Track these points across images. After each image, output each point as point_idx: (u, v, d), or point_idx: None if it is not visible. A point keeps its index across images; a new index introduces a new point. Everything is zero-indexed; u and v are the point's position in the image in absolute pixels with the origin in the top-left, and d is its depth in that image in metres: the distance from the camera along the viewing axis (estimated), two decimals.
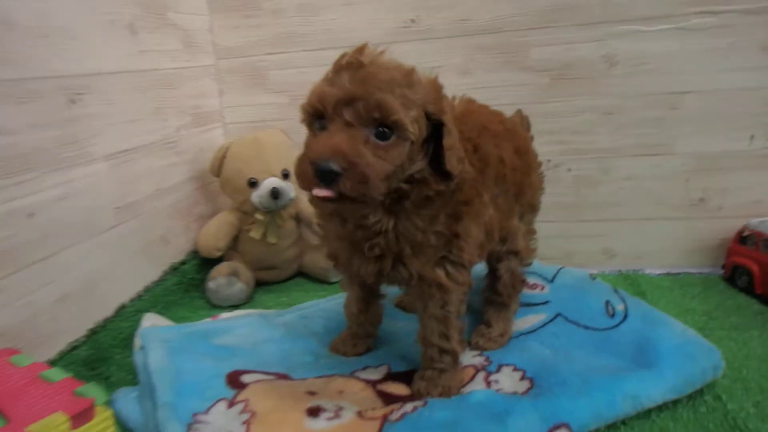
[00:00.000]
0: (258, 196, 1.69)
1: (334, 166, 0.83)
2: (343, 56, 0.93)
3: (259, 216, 1.73)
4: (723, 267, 1.66)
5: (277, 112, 1.95)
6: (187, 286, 1.73)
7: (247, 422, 1.00)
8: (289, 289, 1.79)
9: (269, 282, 1.83)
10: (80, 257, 1.33)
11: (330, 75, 0.93)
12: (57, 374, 0.81)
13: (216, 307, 1.66)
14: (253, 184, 1.70)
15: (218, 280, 1.65)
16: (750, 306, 1.48)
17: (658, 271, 1.73)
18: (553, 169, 1.77)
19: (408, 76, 0.93)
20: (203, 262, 1.79)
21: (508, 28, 1.72)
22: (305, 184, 0.89)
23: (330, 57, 1.74)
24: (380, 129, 0.88)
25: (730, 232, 1.66)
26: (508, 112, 1.66)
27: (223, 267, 1.69)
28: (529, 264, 1.34)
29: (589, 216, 1.79)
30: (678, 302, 1.50)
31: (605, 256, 1.80)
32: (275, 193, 1.67)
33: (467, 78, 1.78)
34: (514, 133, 1.25)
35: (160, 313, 1.52)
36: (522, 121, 1.45)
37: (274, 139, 1.79)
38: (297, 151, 1.71)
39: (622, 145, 1.72)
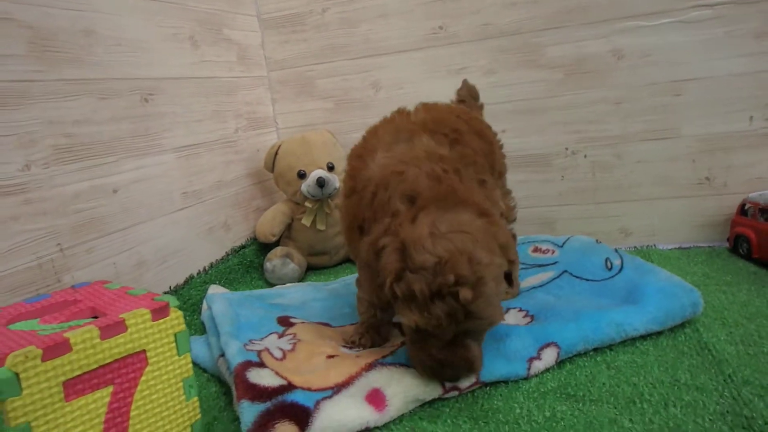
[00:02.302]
0: (306, 185, 1.93)
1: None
2: (443, 282, 0.96)
3: (308, 204, 1.96)
4: (728, 239, 1.79)
5: (324, 116, 2.18)
6: (247, 267, 1.96)
7: (293, 344, 1.23)
8: (337, 273, 1.99)
9: (320, 267, 2.05)
10: (154, 231, 1.57)
11: (434, 290, 0.96)
12: (140, 291, 1.03)
13: (272, 285, 1.88)
14: (302, 175, 1.94)
15: (274, 261, 1.89)
16: (747, 268, 1.61)
17: (670, 246, 1.88)
18: (571, 156, 1.95)
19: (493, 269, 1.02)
20: (261, 248, 2.03)
21: (525, 30, 1.91)
22: (429, 375, 1.05)
23: (369, 64, 2.00)
24: None
25: (735, 207, 1.78)
26: (529, 106, 1.90)
27: (278, 250, 1.94)
28: (514, 219, 1.51)
29: (606, 198, 1.95)
30: (682, 267, 1.64)
31: (622, 235, 1.95)
32: (321, 182, 1.90)
33: (491, 77, 1.98)
34: (472, 122, 1.41)
35: (223, 286, 1.76)
36: (470, 92, 1.67)
37: (320, 137, 2.02)
38: (340, 147, 1.96)
39: (632, 131, 1.88)
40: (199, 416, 1.01)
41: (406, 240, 1.01)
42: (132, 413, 0.91)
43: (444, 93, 1.99)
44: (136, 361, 0.92)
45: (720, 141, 1.82)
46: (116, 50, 1.47)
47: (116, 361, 0.89)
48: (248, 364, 1.10)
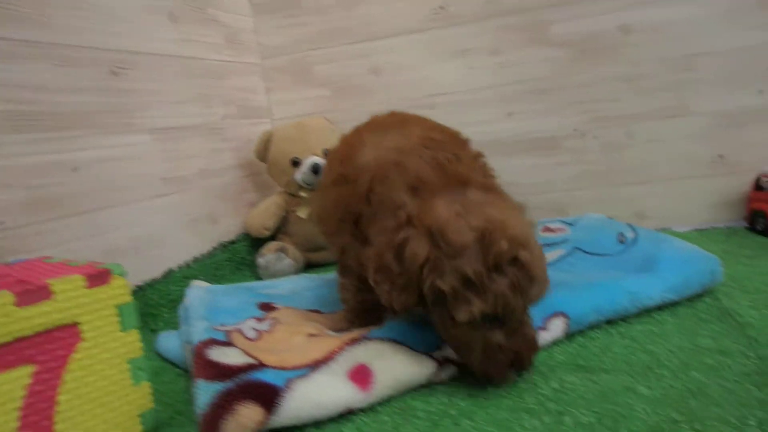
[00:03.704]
0: (301, 173, 1.83)
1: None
2: (499, 251, 0.85)
3: (303, 194, 1.86)
4: (745, 217, 1.71)
5: (322, 105, 2.09)
6: (237, 264, 1.84)
7: (273, 325, 1.13)
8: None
9: (319, 264, 1.93)
10: (127, 218, 1.43)
11: (489, 265, 0.85)
12: (83, 262, 0.90)
13: None
14: (296, 163, 1.84)
15: (267, 257, 1.78)
16: (766, 243, 1.54)
17: (687, 229, 1.77)
18: (581, 138, 1.85)
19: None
20: (254, 243, 1.91)
21: (530, 7, 1.83)
22: (501, 371, 0.91)
23: (368, 49, 1.98)
24: None
25: (750, 184, 1.70)
26: (537, 86, 1.85)
27: (272, 244, 1.83)
28: None
29: (618, 180, 1.85)
30: (700, 246, 1.52)
31: (637, 219, 1.84)
32: (316, 168, 1.80)
33: (497, 57, 1.89)
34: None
35: (211, 283, 1.60)
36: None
37: (315, 123, 1.93)
38: (337, 134, 1.87)
39: (643, 109, 1.79)
40: (151, 405, 0.89)
41: (433, 226, 0.89)
42: (60, 398, 0.79)
43: (448, 76, 1.93)
44: (66, 335, 0.79)
45: (731, 117, 1.74)
46: (77, 15, 1.33)
47: (39, 334, 0.76)
48: (211, 342, 0.98)
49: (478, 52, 1.90)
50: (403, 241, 0.90)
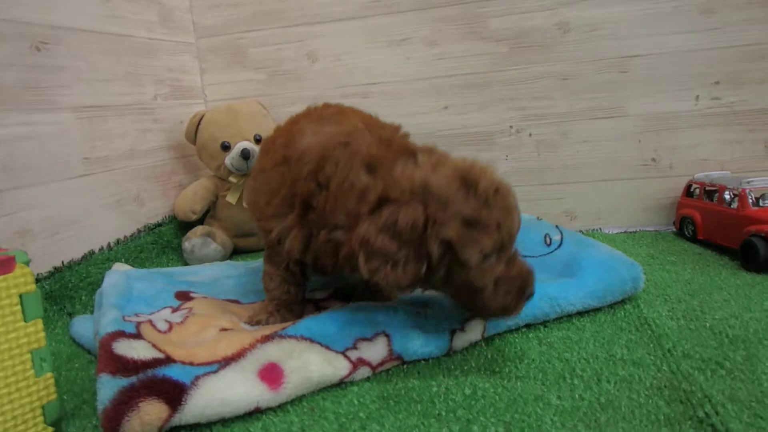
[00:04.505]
0: (230, 158, 1.78)
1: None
2: (484, 186, 0.90)
3: (233, 179, 1.81)
4: (674, 222, 1.72)
5: (256, 88, 2.03)
6: (163, 247, 1.77)
7: (186, 317, 1.09)
8: None
9: (249, 250, 1.89)
10: (44, 197, 1.37)
11: (482, 201, 0.90)
12: None
13: None
14: (226, 147, 1.79)
15: (193, 241, 1.72)
16: (692, 250, 1.55)
17: (616, 230, 1.80)
18: (516, 135, 1.84)
19: None
20: (181, 227, 1.86)
21: (468, 0, 1.80)
22: (515, 300, 0.94)
23: (304, 33, 1.90)
24: None
25: (680, 189, 1.71)
26: (473, 81, 1.82)
27: (198, 229, 1.77)
28: None
29: (551, 179, 1.85)
30: (627, 249, 1.55)
31: (568, 218, 1.85)
32: (246, 154, 1.74)
33: (434, 49, 1.86)
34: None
35: (134, 266, 1.55)
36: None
37: (247, 107, 1.88)
38: (271, 119, 1.82)
39: (578, 108, 1.79)
40: (54, 396, 0.85)
41: (414, 188, 0.91)
42: None
43: (384, 66, 1.89)
44: None
45: (666, 121, 1.75)
46: None
47: None
48: (118, 335, 0.94)
49: (415, 43, 1.87)
50: (390, 218, 0.90)
